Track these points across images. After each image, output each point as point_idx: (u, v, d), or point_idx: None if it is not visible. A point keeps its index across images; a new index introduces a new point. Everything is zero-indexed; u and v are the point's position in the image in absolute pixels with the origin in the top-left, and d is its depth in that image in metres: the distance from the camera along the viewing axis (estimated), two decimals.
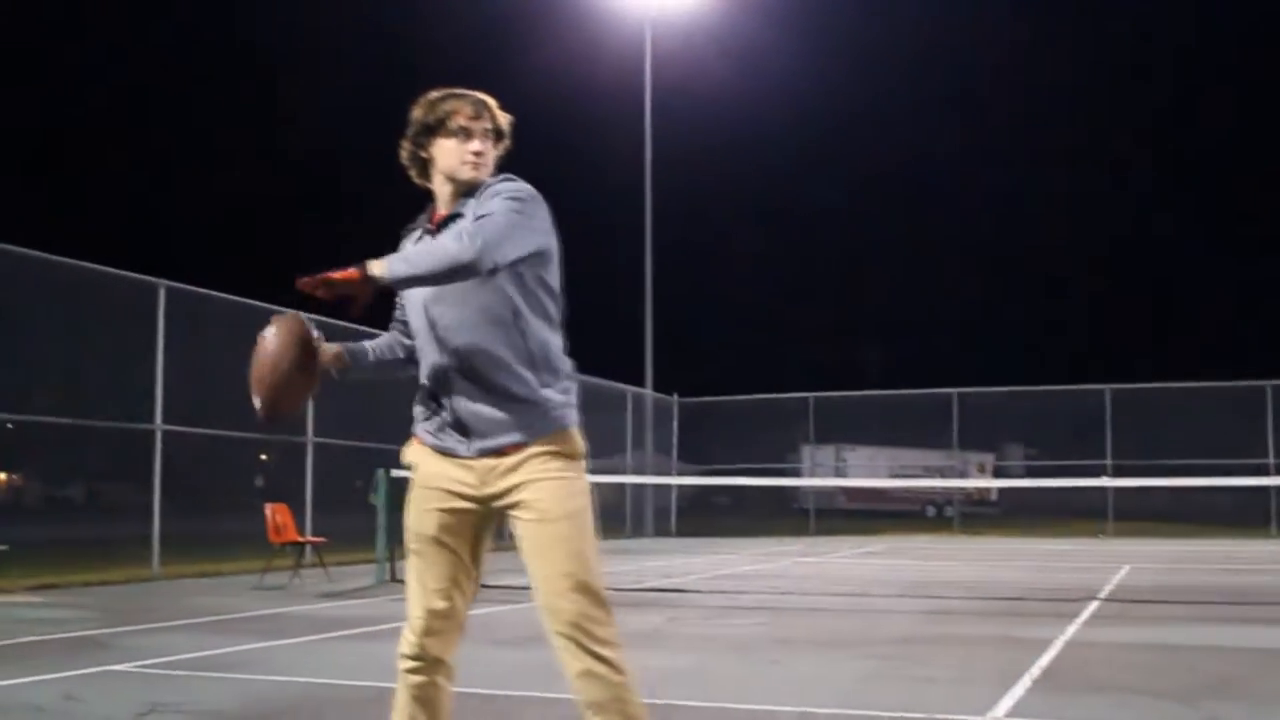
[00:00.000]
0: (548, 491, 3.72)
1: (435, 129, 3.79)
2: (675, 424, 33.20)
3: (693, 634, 9.67)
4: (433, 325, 3.73)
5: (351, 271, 3.47)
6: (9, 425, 15.83)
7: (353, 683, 7.24)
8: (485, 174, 3.76)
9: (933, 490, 37.95)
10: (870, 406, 35.01)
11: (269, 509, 15.27)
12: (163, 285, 16.36)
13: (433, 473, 3.81)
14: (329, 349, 3.87)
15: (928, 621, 10.67)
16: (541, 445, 3.72)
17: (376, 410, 21.10)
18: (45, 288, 14.97)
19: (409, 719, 3.82)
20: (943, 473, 35.12)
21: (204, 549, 17.86)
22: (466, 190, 3.74)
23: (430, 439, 3.83)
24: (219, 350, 17.63)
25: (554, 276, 3.78)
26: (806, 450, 35.35)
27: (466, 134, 3.77)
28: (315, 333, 3.80)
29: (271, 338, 3.76)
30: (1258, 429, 29.45)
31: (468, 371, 3.69)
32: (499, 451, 3.70)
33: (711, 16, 33.69)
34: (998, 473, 37.27)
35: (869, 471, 38.32)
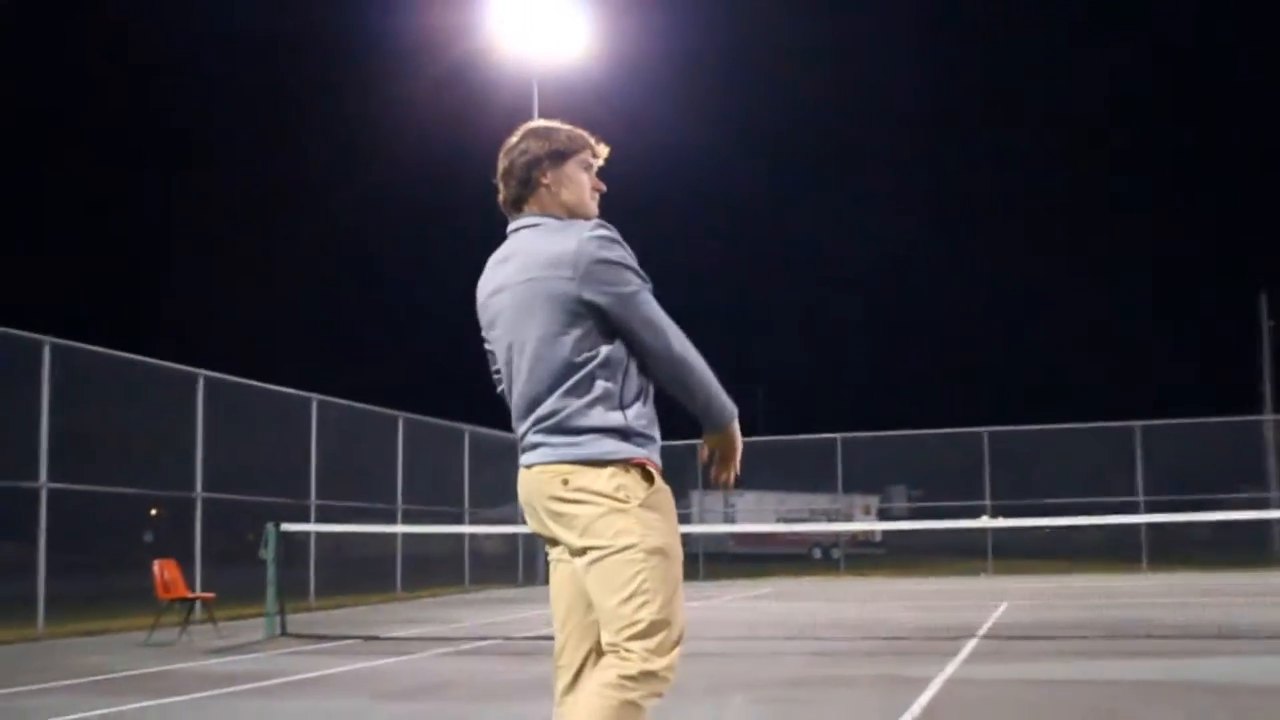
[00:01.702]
0: None
1: (566, 157, 3.84)
2: None
3: None
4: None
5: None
6: None
7: None
8: None
9: (819, 533, 38.15)
10: (757, 452, 35.06)
11: (157, 565, 15.00)
12: (48, 342, 16.05)
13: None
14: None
15: (815, 663, 10.74)
16: None
17: (264, 465, 20.87)
18: None
19: None
20: (828, 515, 35.41)
21: (91, 607, 17.45)
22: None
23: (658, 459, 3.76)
24: (105, 407, 17.32)
25: None
26: (695, 496, 35.47)
27: (591, 170, 3.89)
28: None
29: None
30: (1127, 468, 30.12)
31: None
32: None
33: (594, 74, 34.00)
34: (882, 514, 37.64)
35: (756, 515, 38.49)
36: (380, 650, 12.94)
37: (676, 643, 3.58)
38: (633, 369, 3.68)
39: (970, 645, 11.94)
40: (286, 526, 16.08)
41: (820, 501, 36.75)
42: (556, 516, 3.64)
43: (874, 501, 37.88)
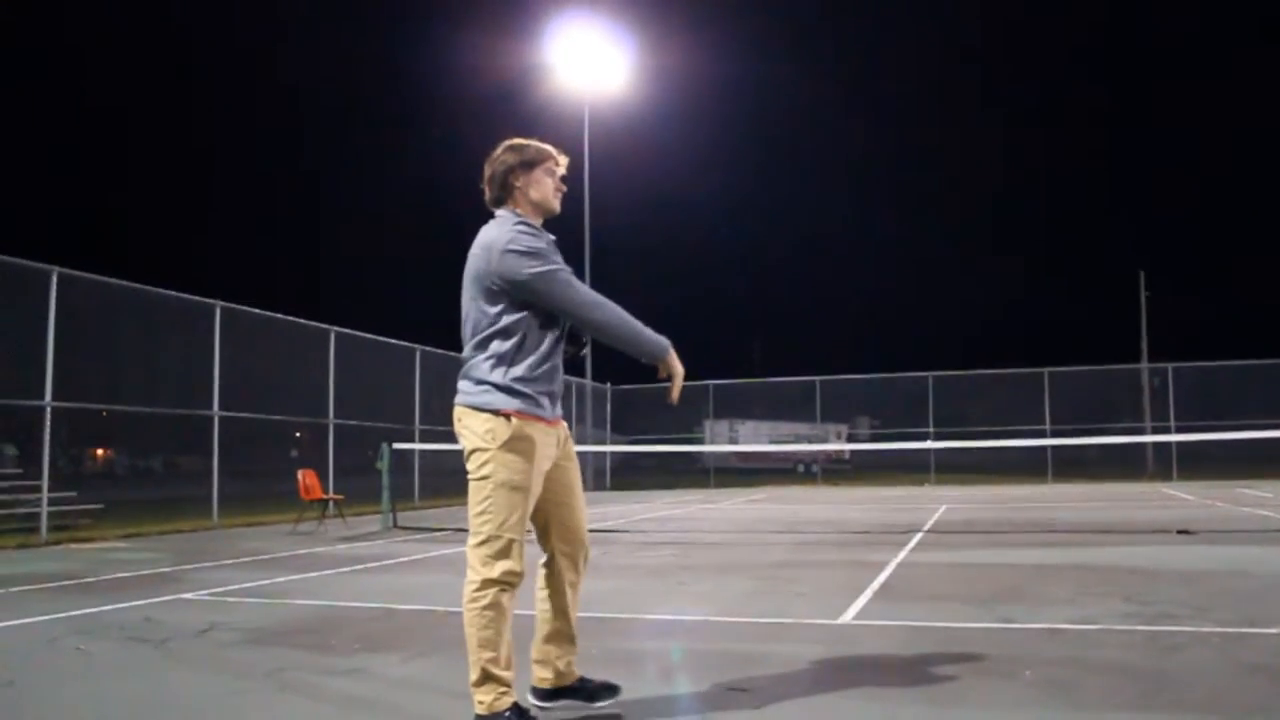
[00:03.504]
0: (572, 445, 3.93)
1: (535, 165, 3.78)
2: (609, 405, 33.17)
3: (620, 563, 9.68)
4: (561, 326, 3.74)
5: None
6: (104, 413, 15.58)
7: (364, 605, 7.18)
8: None
9: (801, 452, 38.10)
10: (755, 390, 35.26)
11: (301, 473, 15.13)
12: (218, 305, 16.14)
13: (546, 440, 3.70)
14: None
15: (797, 550, 10.74)
16: None
17: (380, 399, 21.00)
18: (125, 312, 14.81)
19: (508, 626, 3.62)
20: (809, 439, 35.33)
21: (251, 505, 17.63)
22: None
23: (545, 411, 3.70)
24: (262, 356, 17.47)
25: None
26: (707, 424, 35.44)
27: (554, 175, 3.83)
28: None
29: None
30: (1038, 403, 30.01)
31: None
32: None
33: (636, 100, 33.73)
34: (850, 438, 37.49)
35: (754, 439, 38.46)
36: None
37: (508, 553, 3.57)
38: (530, 338, 3.66)
39: (917, 537, 11.92)
40: (397, 445, 16.16)
41: (803, 428, 36.65)
42: (460, 441, 3.71)
43: (844, 428, 37.71)
